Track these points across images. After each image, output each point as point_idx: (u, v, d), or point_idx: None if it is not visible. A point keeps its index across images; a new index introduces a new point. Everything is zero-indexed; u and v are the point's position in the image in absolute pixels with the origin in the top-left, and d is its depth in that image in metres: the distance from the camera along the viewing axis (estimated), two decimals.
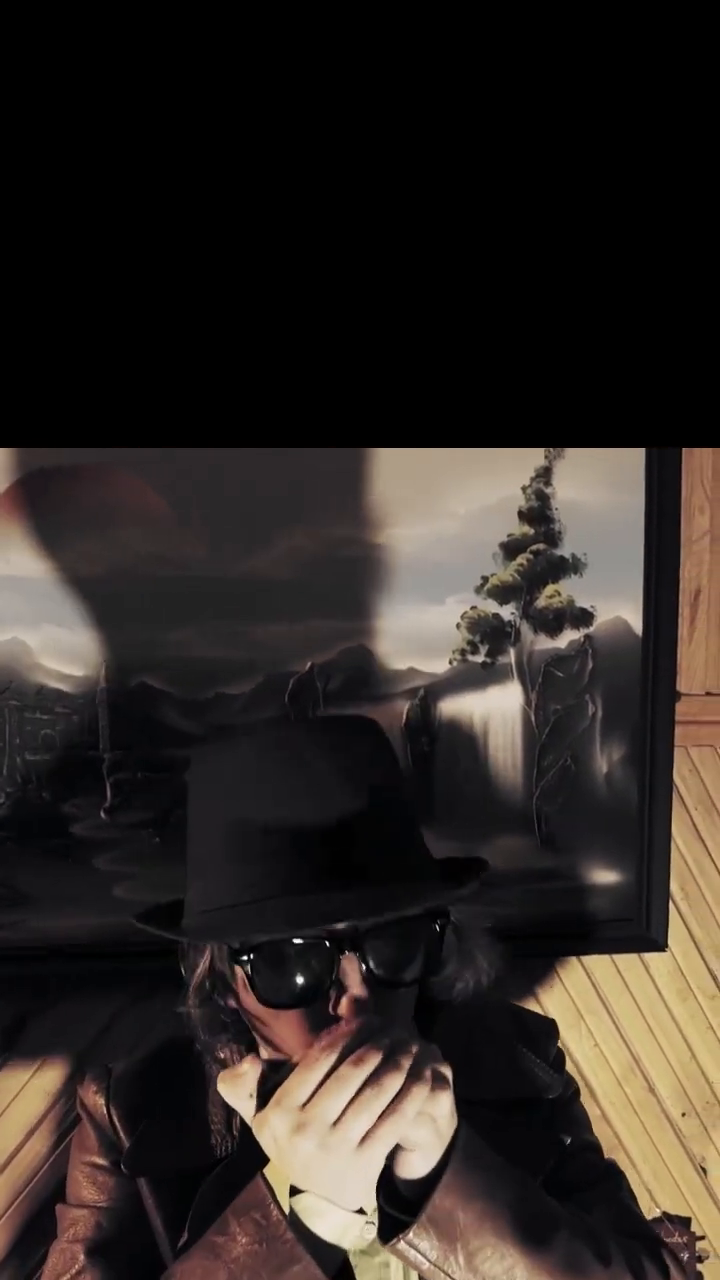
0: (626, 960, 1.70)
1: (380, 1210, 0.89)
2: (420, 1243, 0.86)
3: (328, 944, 0.89)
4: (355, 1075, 0.82)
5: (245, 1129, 0.98)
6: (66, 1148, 1.51)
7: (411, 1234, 0.86)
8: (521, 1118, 1.02)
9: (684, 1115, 1.76)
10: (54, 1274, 1.01)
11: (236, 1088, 0.92)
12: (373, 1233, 0.88)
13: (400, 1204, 0.88)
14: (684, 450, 1.60)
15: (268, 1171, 0.88)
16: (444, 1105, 0.86)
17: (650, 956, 1.71)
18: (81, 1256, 1.01)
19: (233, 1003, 0.99)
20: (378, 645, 1.52)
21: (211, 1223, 0.90)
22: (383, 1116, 0.82)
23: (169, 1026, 1.06)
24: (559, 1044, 1.16)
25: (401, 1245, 0.86)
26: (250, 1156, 0.91)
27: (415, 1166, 0.87)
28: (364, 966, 0.89)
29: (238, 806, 0.94)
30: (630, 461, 1.57)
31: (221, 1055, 1.04)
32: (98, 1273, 1.00)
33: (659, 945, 1.67)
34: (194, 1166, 1.01)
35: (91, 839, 1.47)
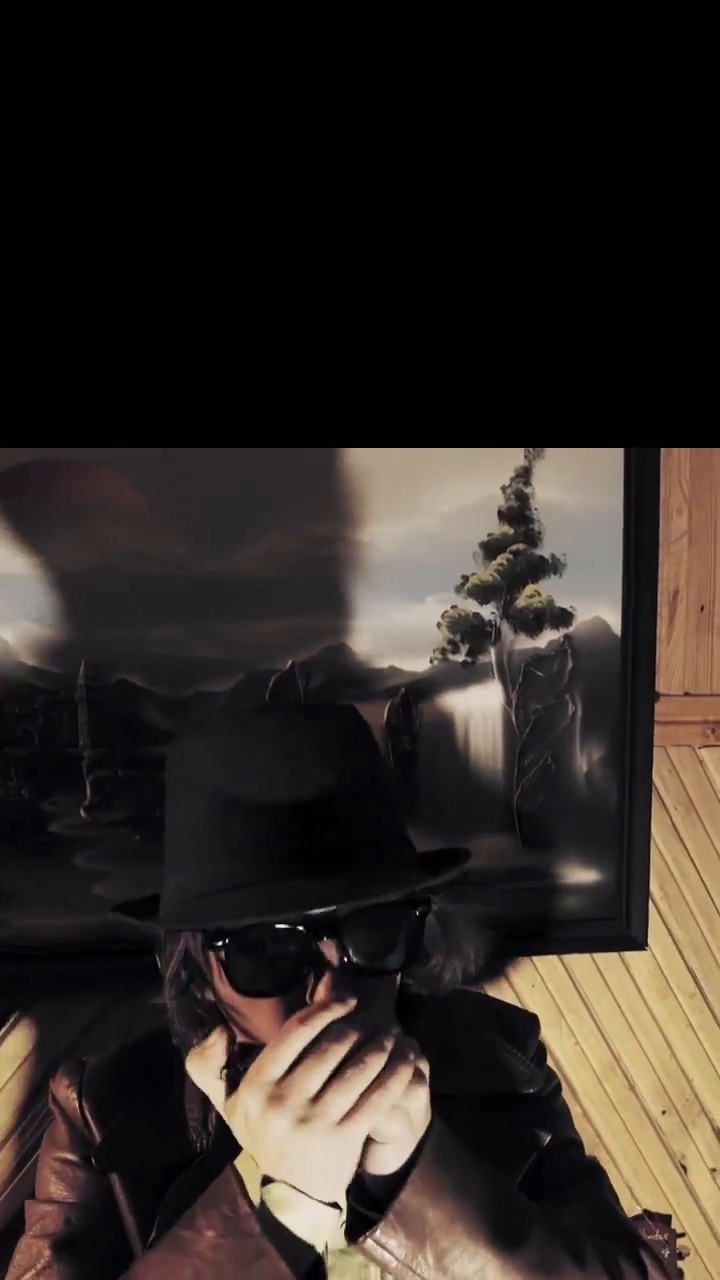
0: (607, 959, 1.69)
1: (349, 1207, 0.85)
2: (388, 1241, 0.83)
3: (305, 931, 0.86)
4: (336, 1050, 0.79)
5: (222, 1124, 0.95)
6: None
7: (379, 1231, 0.83)
8: (501, 1113, 0.99)
9: (664, 1113, 1.75)
10: (19, 1270, 0.97)
11: (205, 1065, 0.90)
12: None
13: (369, 1201, 0.85)
14: (662, 451, 1.59)
15: (239, 1162, 0.85)
16: (420, 1099, 0.83)
17: (630, 955, 1.70)
18: (47, 1252, 0.96)
19: (209, 994, 0.96)
20: (359, 644, 1.50)
21: None
22: (365, 1095, 0.79)
23: (146, 1020, 1.03)
24: (540, 1039, 1.14)
25: (369, 1243, 0.83)
26: (226, 1152, 0.87)
27: (386, 1161, 0.84)
28: (343, 955, 0.86)
29: (214, 792, 0.90)
30: (609, 463, 1.56)
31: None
32: (63, 1268, 0.95)
33: (639, 944, 1.66)
34: (167, 1162, 0.97)
35: (71, 837, 1.44)
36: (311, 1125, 0.79)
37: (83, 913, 1.45)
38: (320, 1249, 0.86)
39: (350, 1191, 0.85)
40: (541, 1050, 1.13)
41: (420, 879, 0.90)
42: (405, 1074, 0.81)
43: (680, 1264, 1.75)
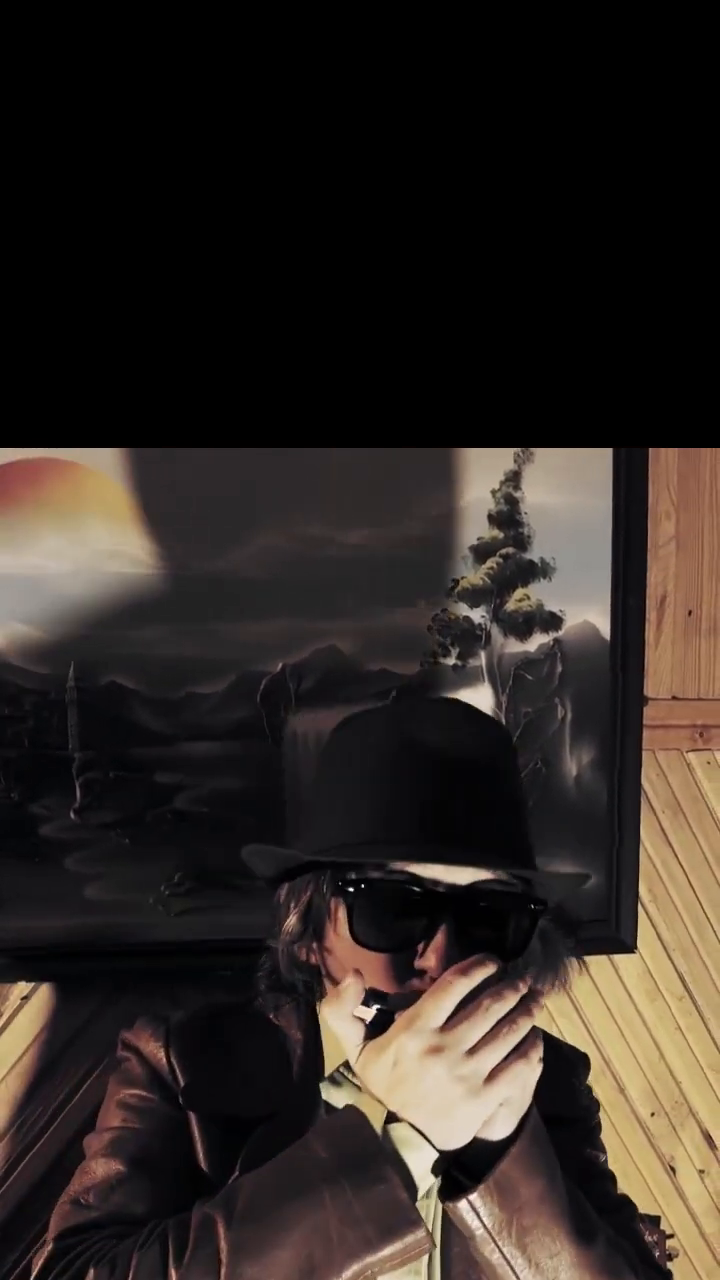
0: (596, 962, 1.66)
1: (444, 1169, 0.86)
2: (481, 1206, 0.83)
3: (431, 899, 0.90)
4: (496, 1009, 0.81)
5: (302, 1087, 0.98)
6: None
7: (475, 1195, 0.83)
8: (555, 1135, 0.96)
9: (653, 1115, 1.72)
10: (87, 1184, 0.93)
11: (340, 1006, 0.89)
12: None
13: (461, 1167, 0.85)
14: (649, 455, 1.57)
15: (360, 1104, 0.85)
16: (538, 1073, 0.84)
17: (620, 958, 1.66)
18: (123, 1168, 0.93)
19: (314, 950, 1.00)
20: (350, 646, 1.46)
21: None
22: (510, 1059, 0.81)
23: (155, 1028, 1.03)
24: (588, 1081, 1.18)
25: (462, 1205, 0.83)
26: (307, 1113, 0.93)
27: (495, 1127, 0.84)
28: (459, 930, 0.90)
29: (378, 763, 0.95)
30: (597, 467, 1.53)
31: (279, 1022, 1.03)
32: (139, 1185, 0.92)
33: (629, 947, 1.64)
34: (250, 1114, 0.96)
35: (61, 839, 1.40)
36: (464, 1078, 0.80)
37: (72, 915, 1.40)
38: (422, 1195, 0.84)
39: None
40: (590, 1089, 1.17)
41: (554, 876, 1.00)
42: (540, 1044, 0.83)
43: (669, 1265, 1.71)
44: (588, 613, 1.56)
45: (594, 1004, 1.67)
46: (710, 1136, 1.74)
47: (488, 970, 0.83)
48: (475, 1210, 0.82)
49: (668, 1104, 1.72)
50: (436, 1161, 0.83)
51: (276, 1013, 1.03)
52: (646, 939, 1.66)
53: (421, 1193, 0.82)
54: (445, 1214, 0.89)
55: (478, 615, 1.51)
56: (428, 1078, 0.80)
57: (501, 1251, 0.83)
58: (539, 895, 0.96)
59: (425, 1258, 0.92)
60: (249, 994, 1.06)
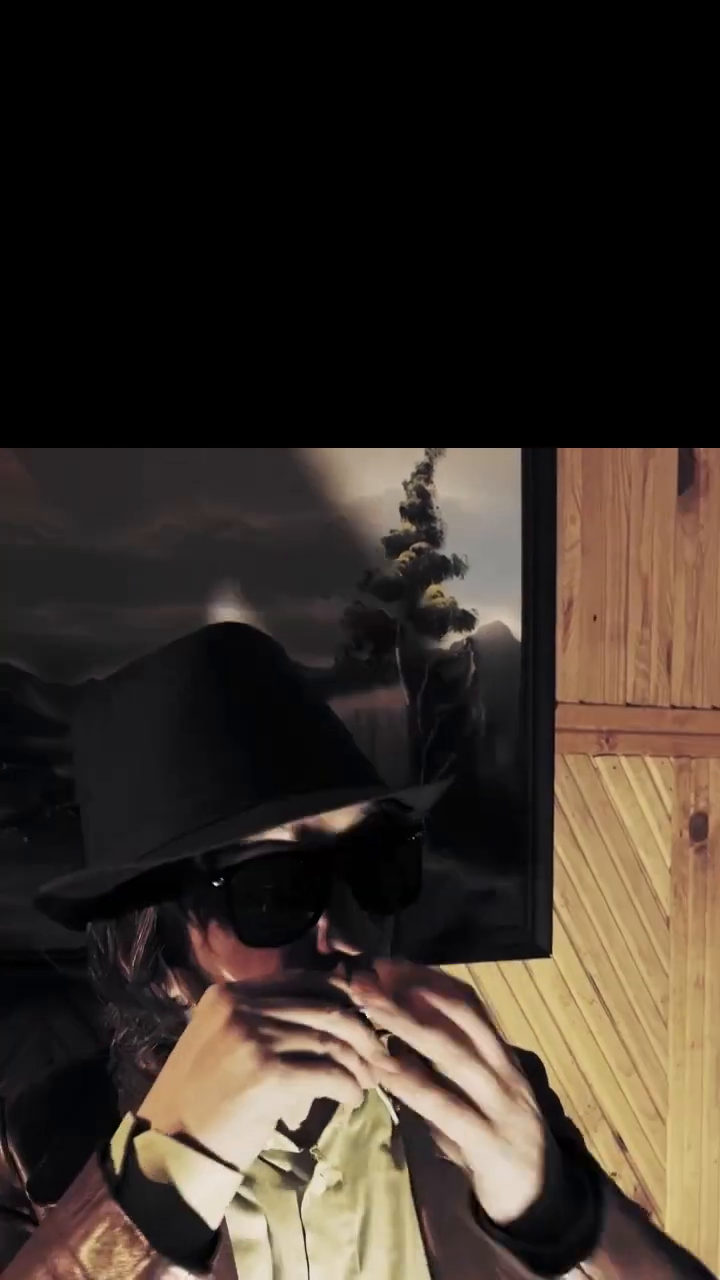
0: (511, 967, 1.55)
1: (520, 1249, 0.63)
2: (598, 1273, 0.62)
3: (311, 863, 0.67)
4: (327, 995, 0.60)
5: None
6: None
7: (591, 1262, 0.62)
8: None
9: (567, 1119, 1.57)
10: None
11: None
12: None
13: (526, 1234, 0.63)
14: (556, 460, 1.50)
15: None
16: (521, 1119, 0.61)
17: (534, 963, 1.56)
18: None
19: (177, 990, 0.73)
20: None
21: None
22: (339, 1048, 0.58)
23: (39, 1055, 0.80)
24: (549, 1086, 0.92)
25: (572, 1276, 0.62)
26: None
27: (499, 1202, 0.63)
28: (351, 889, 0.68)
29: (181, 725, 0.72)
30: (506, 466, 1.46)
31: (144, 1065, 0.75)
32: None
33: (544, 951, 1.54)
34: None
35: None
36: (264, 1040, 0.58)
37: None
38: (216, 1226, 0.61)
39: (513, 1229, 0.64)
40: (555, 1098, 0.90)
41: (422, 790, 0.76)
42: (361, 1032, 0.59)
43: None
44: (499, 613, 1.46)
45: (511, 1010, 1.56)
46: (621, 1139, 1.65)
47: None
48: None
49: (581, 1108, 1.62)
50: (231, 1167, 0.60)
51: (136, 1062, 0.75)
52: (559, 944, 1.57)
53: (215, 1218, 0.60)
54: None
55: (392, 610, 1.39)
56: (209, 1029, 0.59)
57: None
58: (414, 821, 0.75)
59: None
60: (100, 1046, 0.80)
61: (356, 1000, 0.60)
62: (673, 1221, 1.68)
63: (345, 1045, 0.59)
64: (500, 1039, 0.62)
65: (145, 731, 0.74)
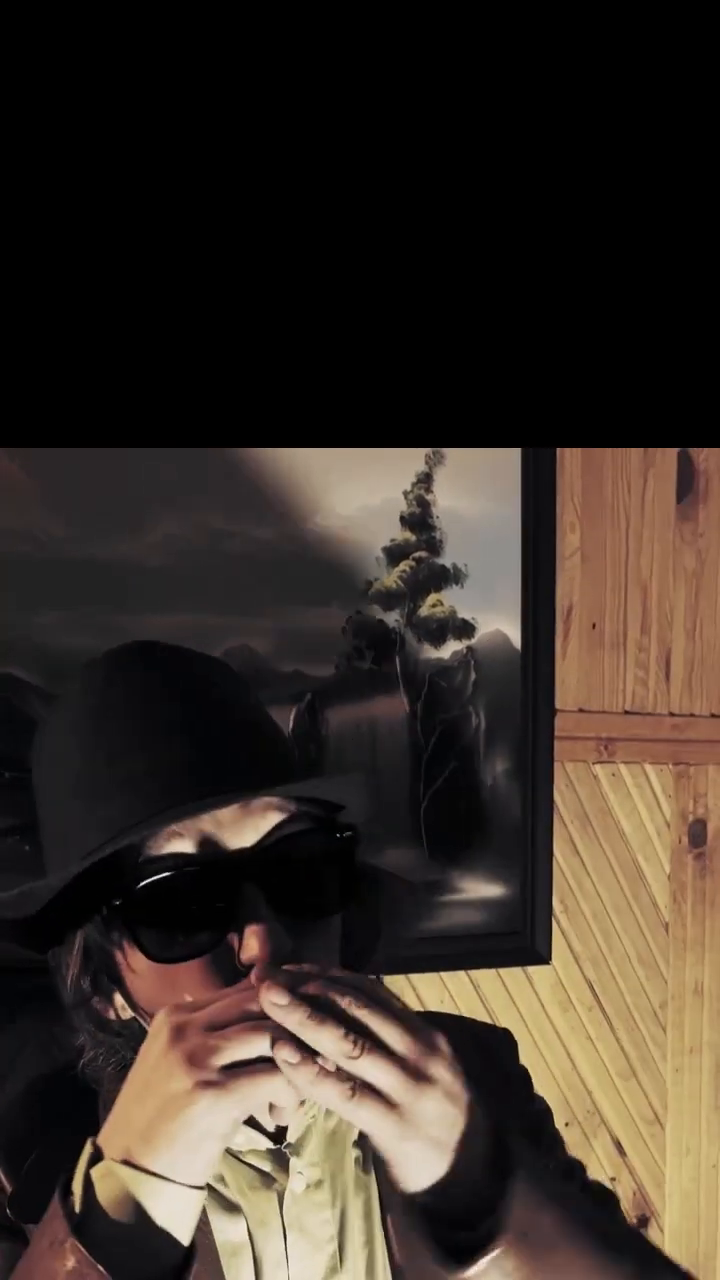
0: (511, 974, 1.54)
1: (438, 1240, 0.62)
2: (507, 1260, 0.61)
3: (218, 873, 0.65)
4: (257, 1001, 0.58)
5: None
6: None
7: (499, 1250, 0.60)
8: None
9: (566, 1125, 1.60)
10: None
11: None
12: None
13: (448, 1224, 0.62)
14: (555, 469, 1.48)
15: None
16: (429, 1098, 0.59)
17: (533, 969, 1.55)
18: None
19: (122, 1011, 0.72)
20: (262, 646, 1.31)
21: None
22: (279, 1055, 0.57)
23: (40, 1059, 0.78)
24: (520, 1062, 0.90)
25: (480, 1265, 0.60)
26: None
27: (409, 1179, 0.61)
28: (268, 896, 0.64)
29: (79, 752, 0.70)
30: (506, 474, 1.44)
31: (110, 1088, 0.72)
32: None
33: (544, 958, 1.53)
34: None
35: None
36: (193, 1057, 0.56)
37: None
38: (187, 1242, 0.60)
39: (428, 1224, 0.63)
40: (525, 1075, 0.89)
41: (316, 783, 0.71)
42: (333, 1037, 0.57)
43: None
44: (499, 621, 1.45)
45: (510, 1016, 1.54)
46: (620, 1144, 1.64)
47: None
48: (501, 1268, 0.61)
49: (580, 1113, 1.61)
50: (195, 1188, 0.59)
51: (107, 1080, 0.73)
52: (559, 950, 1.56)
53: (182, 1234, 0.59)
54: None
55: (392, 619, 1.38)
56: (153, 1054, 0.58)
57: None
58: (342, 821, 0.72)
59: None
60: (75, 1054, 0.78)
61: (259, 1002, 0.58)
62: (671, 1226, 1.67)
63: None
64: (408, 1026, 0.60)
65: (59, 751, 0.73)
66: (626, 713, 1.60)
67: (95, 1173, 0.58)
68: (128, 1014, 0.72)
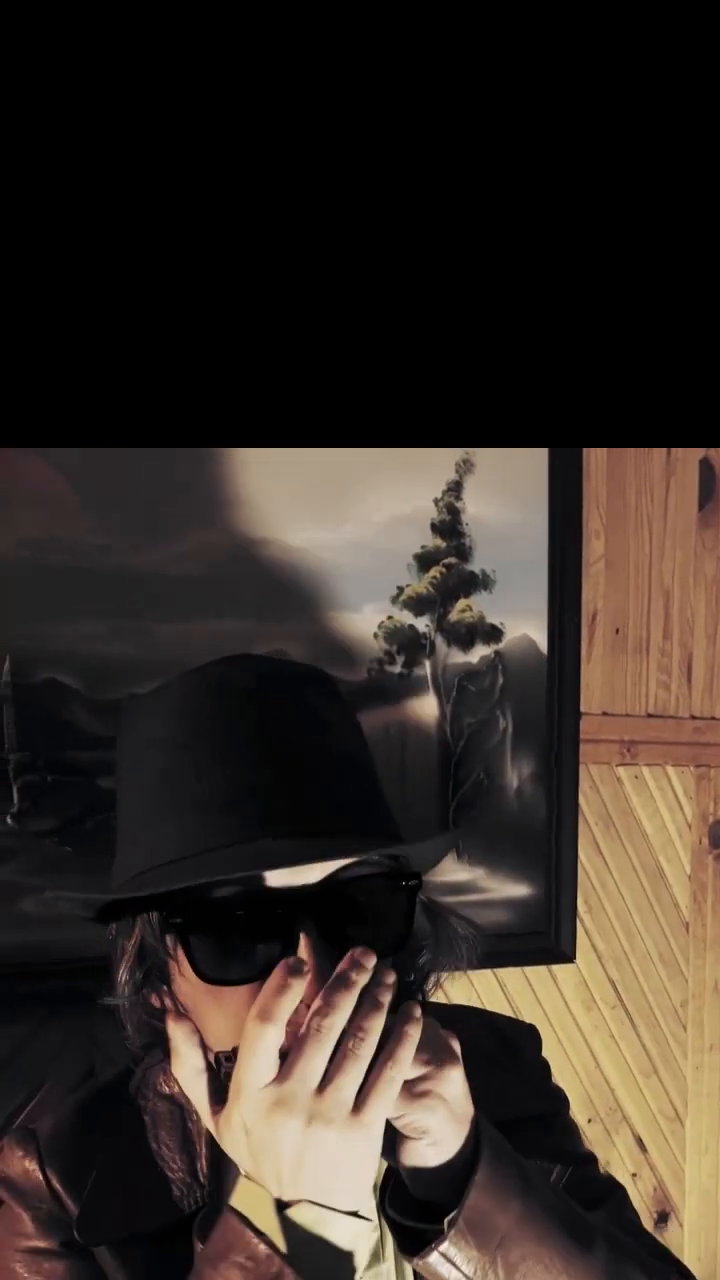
0: (536, 973, 1.53)
1: (393, 1222, 0.65)
2: (456, 1254, 0.62)
3: (279, 909, 0.65)
4: (331, 1024, 0.60)
5: (215, 1170, 0.72)
6: None
7: (447, 1243, 0.62)
8: (522, 1138, 0.73)
9: (590, 1121, 1.59)
10: None
11: (178, 1067, 0.68)
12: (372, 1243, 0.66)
13: (417, 1212, 0.64)
14: (581, 476, 1.47)
15: (236, 1199, 0.63)
16: (454, 1084, 0.63)
17: (557, 968, 1.54)
18: None
19: (166, 998, 0.72)
20: (295, 651, 1.30)
21: None
22: (376, 1071, 0.60)
23: (77, 1063, 0.78)
24: (542, 1054, 0.92)
25: (433, 1258, 0.62)
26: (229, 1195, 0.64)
27: (427, 1160, 0.63)
28: (322, 933, 0.65)
29: (169, 757, 0.69)
30: (533, 483, 1.42)
31: (166, 1089, 0.76)
32: None
33: (568, 957, 1.51)
34: (164, 1224, 0.71)
35: None
36: (327, 1120, 0.59)
37: (6, 930, 1.19)
38: (361, 1269, 0.63)
39: (392, 1203, 0.65)
40: (546, 1064, 0.92)
41: (396, 844, 0.69)
42: (413, 1035, 0.61)
43: None
44: (526, 626, 1.44)
45: (535, 1015, 1.53)
46: (641, 1140, 1.62)
47: (294, 993, 0.61)
48: (451, 1260, 0.62)
49: (603, 1111, 1.59)
50: (355, 1215, 0.61)
51: (157, 1086, 0.76)
52: (582, 949, 1.54)
53: (362, 1263, 0.62)
54: (415, 1273, 0.69)
55: (422, 624, 1.37)
56: (286, 1140, 0.59)
57: None
58: (411, 869, 0.72)
59: None
60: (120, 1068, 0.79)
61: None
62: (690, 1222, 1.65)
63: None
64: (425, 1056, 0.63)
65: (147, 752, 0.72)
66: (649, 716, 1.59)
67: (291, 1213, 0.60)
68: (170, 1004, 0.72)
